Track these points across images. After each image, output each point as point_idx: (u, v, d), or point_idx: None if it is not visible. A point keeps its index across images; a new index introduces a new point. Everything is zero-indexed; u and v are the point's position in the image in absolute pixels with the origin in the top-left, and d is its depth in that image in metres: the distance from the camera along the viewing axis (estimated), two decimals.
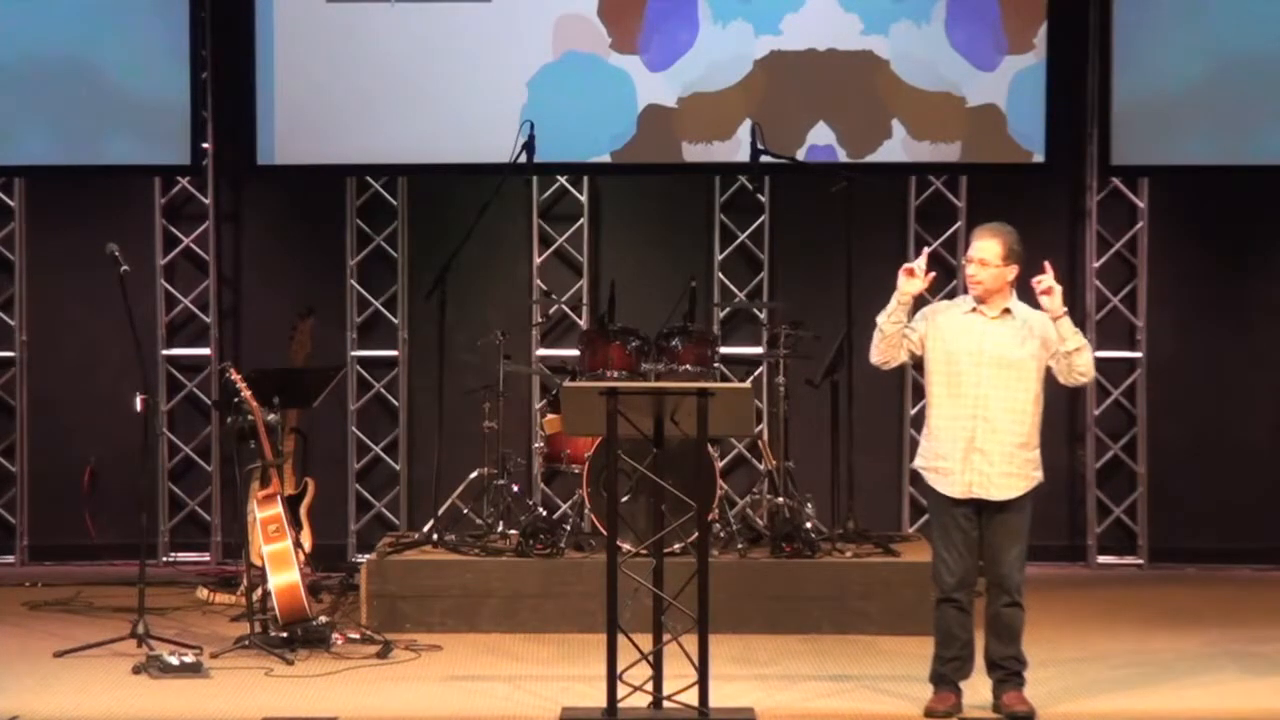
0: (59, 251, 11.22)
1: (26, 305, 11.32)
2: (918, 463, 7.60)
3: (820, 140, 10.84)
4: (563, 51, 10.83)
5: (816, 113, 10.84)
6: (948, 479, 7.43)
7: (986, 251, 7.38)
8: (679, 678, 7.34)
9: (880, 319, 7.45)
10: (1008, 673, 7.51)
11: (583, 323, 11.14)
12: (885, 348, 7.47)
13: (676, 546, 8.61)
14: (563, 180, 11.29)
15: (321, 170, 11.00)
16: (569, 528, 9.53)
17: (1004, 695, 7.50)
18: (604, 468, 8.44)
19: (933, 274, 7.46)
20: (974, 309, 7.44)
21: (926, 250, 7.66)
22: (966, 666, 7.55)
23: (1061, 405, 10.88)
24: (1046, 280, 7.29)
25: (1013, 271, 7.43)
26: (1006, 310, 7.43)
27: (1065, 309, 7.35)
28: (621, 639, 7.27)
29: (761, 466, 10.48)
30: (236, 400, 8.92)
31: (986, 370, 7.37)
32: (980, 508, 7.42)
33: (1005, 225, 7.48)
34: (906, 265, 7.41)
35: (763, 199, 11.28)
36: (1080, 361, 7.36)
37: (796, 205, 11.21)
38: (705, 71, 10.82)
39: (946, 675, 7.54)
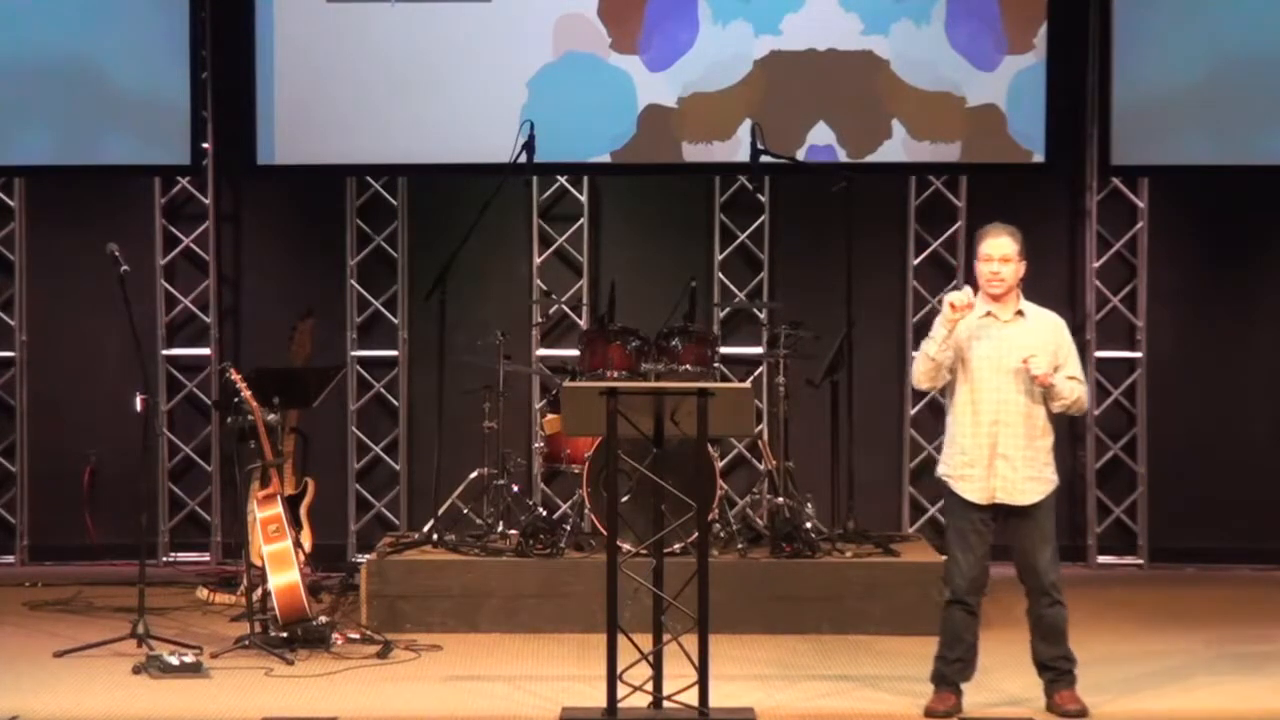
0: (59, 251, 11.21)
1: (26, 305, 11.31)
2: (941, 470, 7.56)
3: (820, 140, 10.84)
4: (563, 51, 10.83)
5: (816, 113, 10.84)
6: (973, 485, 7.42)
7: (1005, 248, 7.38)
8: (679, 678, 7.33)
9: (930, 349, 7.36)
10: (1059, 672, 7.51)
11: (583, 323, 11.13)
12: (936, 374, 7.42)
13: (676, 546, 8.61)
14: (563, 180, 11.28)
15: (321, 170, 11.00)
16: (569, 528, 9.52)
17: (1056, 695, 7.49)
18: (604, 468, 8.44)
19: (972, 302, 7.38)
20: (988, 313, 7.43)
21: (969, 290, 7.45)
22: (969, 668, 7.55)
23: None
24: (1037, 371, 7.32)
25: (1023, 267, 7.44)
26: (1019, 312, 7.45)
27: (1051, 372, 7.36)
28: (621, 639, 7.26)
29: (761, 466, 10.48)
30: (236, 400, 8.92)
31: (1005, 376, 7.37)
32: (1001, 512, 7.43)
33: (1007, 224, 7.49)
34: (951, 302, 7.29)
35: (763, 199, 11.27)
36: (1075, 411, 7.52)
37: (796, 205, 11.21)
38: (705, 71, 10.81)
39: (948, 676, 7.53)
